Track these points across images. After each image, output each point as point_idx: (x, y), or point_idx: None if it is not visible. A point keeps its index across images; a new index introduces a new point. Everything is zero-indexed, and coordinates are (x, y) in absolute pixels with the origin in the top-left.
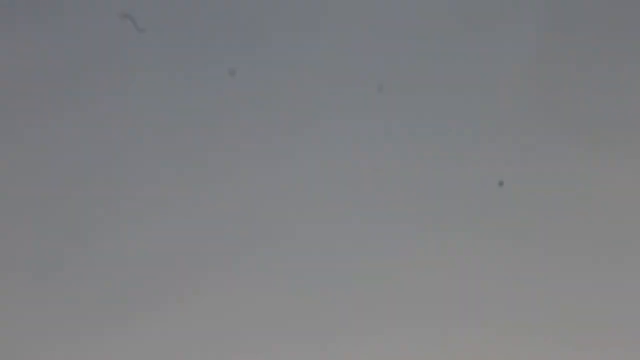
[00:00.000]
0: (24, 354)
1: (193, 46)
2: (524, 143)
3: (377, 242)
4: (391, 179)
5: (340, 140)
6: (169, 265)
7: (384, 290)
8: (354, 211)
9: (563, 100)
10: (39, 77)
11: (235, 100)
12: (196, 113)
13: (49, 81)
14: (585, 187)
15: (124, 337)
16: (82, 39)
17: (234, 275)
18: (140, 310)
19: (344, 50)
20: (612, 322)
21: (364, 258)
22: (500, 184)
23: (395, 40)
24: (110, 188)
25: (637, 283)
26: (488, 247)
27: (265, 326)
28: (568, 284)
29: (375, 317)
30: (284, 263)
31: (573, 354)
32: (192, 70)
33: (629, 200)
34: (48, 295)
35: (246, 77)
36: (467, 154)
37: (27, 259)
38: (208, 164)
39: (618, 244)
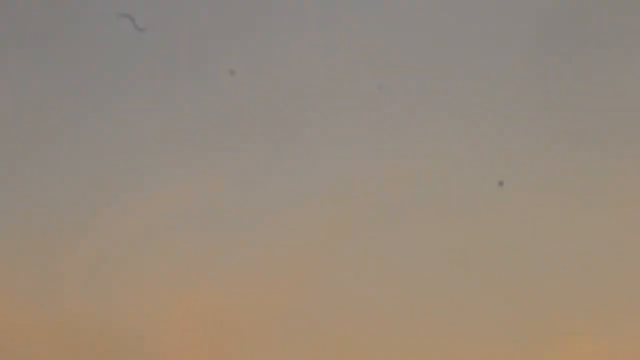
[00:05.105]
0: None
1: (193, 46)
2: (524, 143)
3: (375, 241)
4: (391, 178)
5: (340, 139)
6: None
7: (383, 290)
8: (353, 209)
9: (563, 100)
10: (39, 77)
11: (235, 100)
12: (196, 113)
13: (48, 80)
14: (585, 187)
15: None
16: (82, 39)
17: (229, 275)
18: None
19: (344, 50)
20: (612, 324)
21: (362, 258)
22: (500, 184)
23: (395, 40)
24: (109, 185)
25: (637, 284)
26: (488, 247)
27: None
28: (568, 282)
29: (375, 316)
30: (286, 262)
31: (571, 355)
32: (192, 70)
33: (629, 199)
34: None
35: (246, 77)
36: (467, 154)
37: None
38: (208, 164)
39: (618, 243)
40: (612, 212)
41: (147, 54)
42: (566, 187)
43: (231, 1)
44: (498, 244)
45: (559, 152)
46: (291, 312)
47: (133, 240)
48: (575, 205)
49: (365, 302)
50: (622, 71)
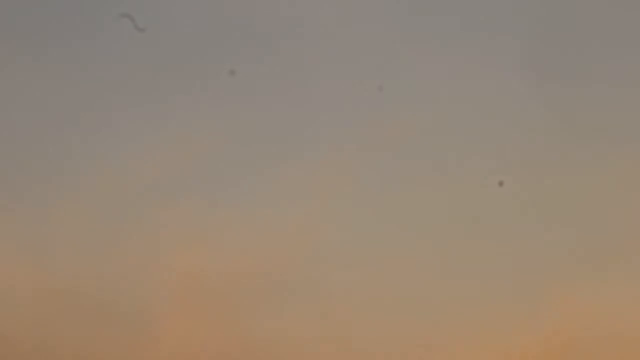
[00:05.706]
0: None
1: (193, 46)
2: (525, 143)
3: (376, 241)
4: (391, 178)
5: (340, 140)
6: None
7: (383, 290)
8: (353, 209)
9: (563, 101)
10: (38, 77)
11: (235, 100)
12: (196, 113)
13: (49, 80)
14: (584, 186)
15: None
16: (83, 39)
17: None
18: None
19: (344, 50)
20: (611, 326)
21: (362, 258)
22: (500, 184)
23: (395, 41)
24: (109, 185)
25: (636, 290)
26: (488, 247)
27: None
28: (567, 283)
29: (375, 317)
30: (278, 226)
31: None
32: (192, 70)
33: (628, 201)
34: None
35: (246, 77)
36: (467, 154)
37: None
38: (208, 164)
39: (618, 245)
40: (611, 211)
41: (147, 54)
42: (566, 187)
43: (231, 1)
44: (497, 243)
45: (558, 151)
46: (282, 276)
47: (125, 202)
48: (575, 206)
49: (361, 299)
50: (622, 71)
